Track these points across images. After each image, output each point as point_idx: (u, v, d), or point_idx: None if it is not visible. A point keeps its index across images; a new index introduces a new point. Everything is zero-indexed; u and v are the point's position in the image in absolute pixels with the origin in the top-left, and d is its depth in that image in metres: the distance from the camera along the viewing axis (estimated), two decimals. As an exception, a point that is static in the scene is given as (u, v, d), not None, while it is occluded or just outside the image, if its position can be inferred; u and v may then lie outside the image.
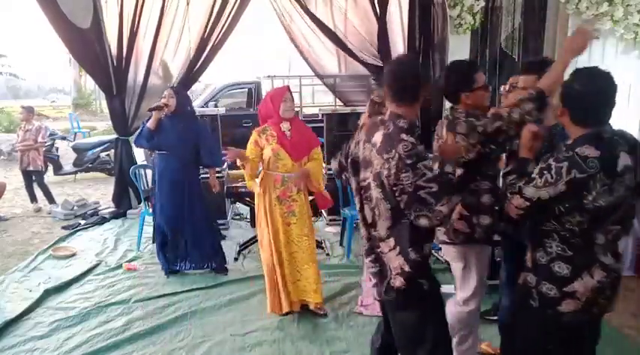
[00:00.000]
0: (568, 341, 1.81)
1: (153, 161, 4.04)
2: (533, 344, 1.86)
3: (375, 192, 1.81)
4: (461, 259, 2.37)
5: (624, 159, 1.66)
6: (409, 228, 1.78)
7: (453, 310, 2.42)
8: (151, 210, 4.72)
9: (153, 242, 4.89)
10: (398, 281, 1.83)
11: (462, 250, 2.35)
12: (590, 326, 1.89)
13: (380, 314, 3.08)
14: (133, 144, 4.27)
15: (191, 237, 3.99)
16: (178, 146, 3.85)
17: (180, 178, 3.92)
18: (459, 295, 2.44)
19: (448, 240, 2.36)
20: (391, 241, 1.82)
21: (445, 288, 3.62)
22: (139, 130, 3.95)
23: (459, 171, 2.18)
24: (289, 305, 3.21)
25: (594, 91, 1.68)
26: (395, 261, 1.83)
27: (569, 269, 1.73)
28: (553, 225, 1.74)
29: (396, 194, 1.73)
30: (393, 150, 1.73)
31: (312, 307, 3.31)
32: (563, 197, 1.66)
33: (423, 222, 1.70)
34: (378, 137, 1.82)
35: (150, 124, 3.81)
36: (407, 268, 1.81)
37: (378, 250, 1.89)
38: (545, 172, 1.69)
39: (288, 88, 3.26)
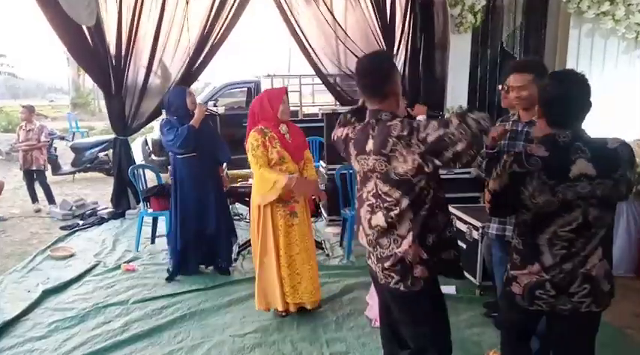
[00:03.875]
0: (523, 322, 1.98)
1: (173, 164, 3.92)
2: (503, 309, 2.11)
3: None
4: None
5: (582, 167, 1.66)
6: None
7: None
8: (150, 210, 4.71)
9: (152, 242, 4.88)
10: None
11: None
12: (550, 324, 1.93)
13: None
14: (168, 148, 3.89)
15: (217, 237, 3.99)
16: (206, 147, 3.83)
17: (210, 179, 3.92)
18: None
19: None
20: None
21: (443, 289, 3.64)
22: (180, 134, 3.66)
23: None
24: (284, 306, 3.20)
25: (562, 95, 1.71)
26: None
27: (517, 260, 1.87)
28: (516, 219, 1.90)
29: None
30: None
31: (310, 307, 3.28)
32: (508, 189, 1.78)
33: None
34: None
35: (196, 123, 3.69)
36: None
37: None
38: (498, 166, 1.83)
39: (286, 90, 3.24)
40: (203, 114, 3.75)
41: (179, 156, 3.83)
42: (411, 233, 1.79)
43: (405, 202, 1.77)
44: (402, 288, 1.85)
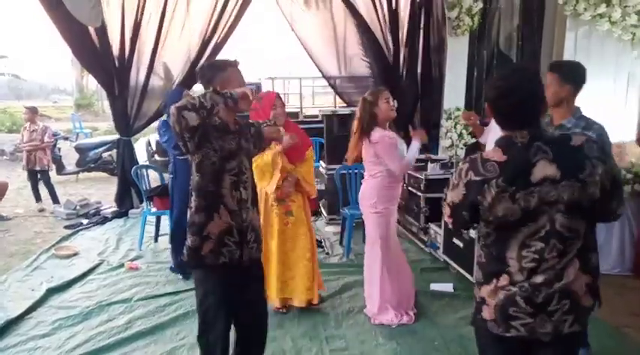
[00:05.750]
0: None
1: (173, 164, 3.96)
2: (479, 349, 1.74)
3: None
4: None
5: (545, 169, 1.46)
6: None
7: None
8: (153, 209, 4.76)
9: (155, 241, 4.93)
10: None
11: None
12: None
13: (393, 322, 3.15)
14: (166, 148, 3.94)
15: None
16: None
17: None
18: None
19: None
20: None
21: (441, 287, 3.71)
22: (173, 135, 3.57)
23: None
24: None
25: (504, 92, 1.53)
26: None
27: (481, 276, 1.64)
28: (478, 232, 1.68)
29: None
30: None
31: (298, 305, 3.34)
32: (465, 200, 1.56)
33: None
34: None
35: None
36: None
37: None
38: (454, 174, 1.63)
39: (276, 95, 3.30)
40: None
41: (179, 157, 3.87)
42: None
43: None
44: None
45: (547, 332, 1.52)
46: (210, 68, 2.19)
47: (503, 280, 1.55)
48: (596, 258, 1.57)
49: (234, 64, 2.18)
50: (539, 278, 1.51)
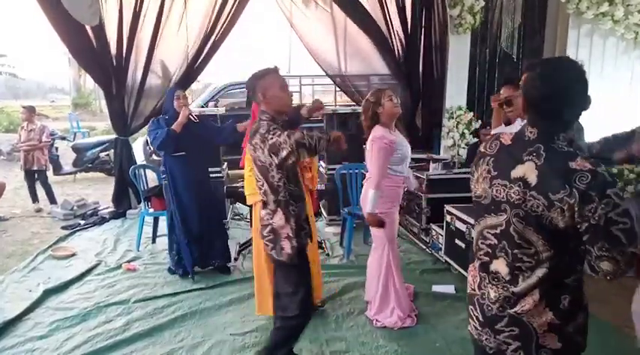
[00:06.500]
0: None
1: (163, 163, 3.97)
2: None
3: None
4: None
5: (526, 171, 1.40)
6: None
7: None
8: (151, 210, 4.72)
9: (153, 242, 4.90)
10: None
11: None
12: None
13: (396, 325, 3.13)
14: (145, 146, 4.07)
15: (210, 236, 4.02)
16: (196, 146, 3.88)
17: (200, 178, 3.99)
18: None
19: None
20: None
21: (443, 288, 3.68)
22: (159, 136, 3.72)
23: None
24: None
25: (532, 84, 1.44)
26: None
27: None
28: None
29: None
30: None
31: (316, 302, 3.32)
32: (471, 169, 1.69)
33: None
34: None
35: (177, 128, 3.74)
36: None
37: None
38: None
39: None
40: (185, 118, 3.77)
41: (169, 156, 3.88)
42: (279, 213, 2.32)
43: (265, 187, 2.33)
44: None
45: (490, 347, 1.56)
46: (251, 79, 2.35)
47: (471, 271, 1.65)
48: (572, 301, 1.44)
49: (273, 71, 2.34)
50: (492, 294, 1.53)
